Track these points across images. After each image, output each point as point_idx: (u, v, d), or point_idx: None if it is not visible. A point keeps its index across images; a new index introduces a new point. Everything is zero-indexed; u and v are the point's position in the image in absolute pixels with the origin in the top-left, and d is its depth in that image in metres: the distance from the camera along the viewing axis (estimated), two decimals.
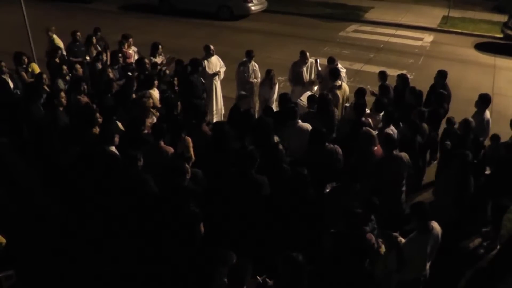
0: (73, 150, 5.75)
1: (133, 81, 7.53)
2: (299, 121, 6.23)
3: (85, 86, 7.17)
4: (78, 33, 9.64)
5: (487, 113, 6.95)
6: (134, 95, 7.17)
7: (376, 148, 5.73)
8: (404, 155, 5.54)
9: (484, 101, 6.93)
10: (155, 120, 6.51)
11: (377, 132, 6.11)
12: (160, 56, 9.09)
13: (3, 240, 4.83)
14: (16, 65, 8.21)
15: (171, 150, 5.48)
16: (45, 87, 7.45)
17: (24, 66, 8.28)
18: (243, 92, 7.82)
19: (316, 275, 4.22)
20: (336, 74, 7.75)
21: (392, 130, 6.23)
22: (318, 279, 4.24)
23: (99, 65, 8.54)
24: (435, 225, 4.43)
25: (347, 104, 7.61)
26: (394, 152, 5.51)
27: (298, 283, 3.72)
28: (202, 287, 4.31)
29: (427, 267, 4.59)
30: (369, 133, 5.73)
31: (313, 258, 4.41)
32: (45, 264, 5.31)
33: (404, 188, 5.73)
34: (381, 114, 6.61)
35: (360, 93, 7.08)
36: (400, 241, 4.40)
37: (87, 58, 9.26)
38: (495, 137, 6.54)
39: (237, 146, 5.69)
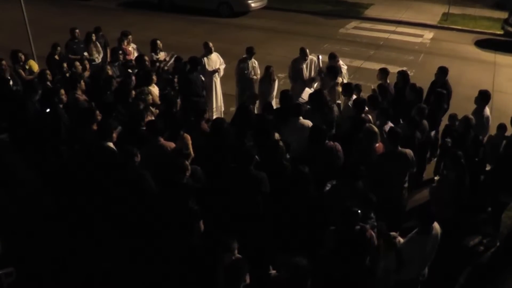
0: (73, 147, 5.76)
1: (132, 78, 7.52)
2: (301, 118, 6.22)
3: (83, 84, 7.16)
4: (77, 31, 9.61)
5: (487, 110, 6.95)
6: (133, 92, 7.15)
7: (377, 145, 5.71)
8: (408, 152, 5.50)
9: (483, 97, 6.92)
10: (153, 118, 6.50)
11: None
12: (162, 53, 9.08)
13: None
14: (14, 63, 8.21)
15: (172, 145, 5.47)
16: (48, 83, 7.44)
17: (21, 63, 8.27)
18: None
19: (317, 273, 4.22)
20: (334, 71, 7.72)
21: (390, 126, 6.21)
22: (319, 277, 4.24)
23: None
24: (435, 225, 4.40)
25: (339, 101, 7.58)
26: (399, 148, 5.48)
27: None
28: (203, 282, 4.30)
29: (426, 267, 4.58)
30: (372, 130, 5.69)
31: (313, 255, 4.43)
32: (45, 261, 5.32)
33: (406, 185, 5.72)
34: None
35: (347, 89, 7.05)
36: (399, 241, 4.39)
37: (85, 54, 9.24)
38: (502, 127, 6.50)
39: (236, 143, 5.68)
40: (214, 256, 4.02)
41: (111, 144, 5.46)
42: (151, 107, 6.82)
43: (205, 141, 5.76)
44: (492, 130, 6.92)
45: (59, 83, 7.55)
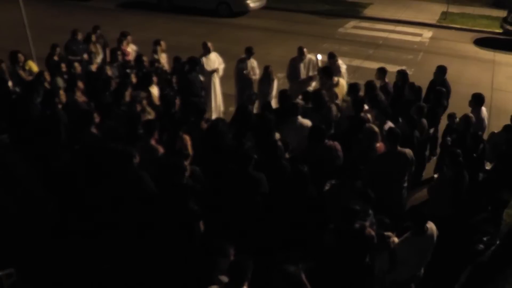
0: (72, 149, 5.75)
1: (130, 79, 7.51)
2: (299, 117, 6.21)
3: (82, 85, 7.15)
4: (79, 33, 9.60)
5: (483, 111, 6.94)
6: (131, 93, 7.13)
7: (378, 144, 5.69)
8: (408, 151, 5.47)
9: (477, 100, 6.90)
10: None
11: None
12: (163, 54, 9.06)
13: None
14: (13, 64, 8.20)
15: (160, 150, 5.49)
16: (46, 84, 7.44)
17: (21, 64, 8.27)
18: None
19: (317, 272, 4.22)
20: (328, 72, 7.69)
21: (390, 126, 6.20)
22: (319, 276, 4.23)
23: (93, 68, 8.46)
24: (431, 225, 4.39)
25: (338, 101, 7.57)
26: (398, 148, 5.46)
27: None
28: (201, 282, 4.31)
29: (422, 267, 4.57)
30: (372, 129, 5.67)
31: (313, 255, 4.43)
32: (45, 262, 5.31)
33: (405, 184, 5.71)
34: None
35: (353, 88, 7.04)
36: (393, 241, 4.38)
37: (85, 56, 9.23)
38: (509, 130, 6.44)
39: (235, 143, 5.67)
40: (212, 258, 4.01)
41: (115, 145, 5.45)
42: (148, 108, 6.80)
43: (201, 141, 5.76)
44: (492, 128, 6.91)
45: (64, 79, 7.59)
